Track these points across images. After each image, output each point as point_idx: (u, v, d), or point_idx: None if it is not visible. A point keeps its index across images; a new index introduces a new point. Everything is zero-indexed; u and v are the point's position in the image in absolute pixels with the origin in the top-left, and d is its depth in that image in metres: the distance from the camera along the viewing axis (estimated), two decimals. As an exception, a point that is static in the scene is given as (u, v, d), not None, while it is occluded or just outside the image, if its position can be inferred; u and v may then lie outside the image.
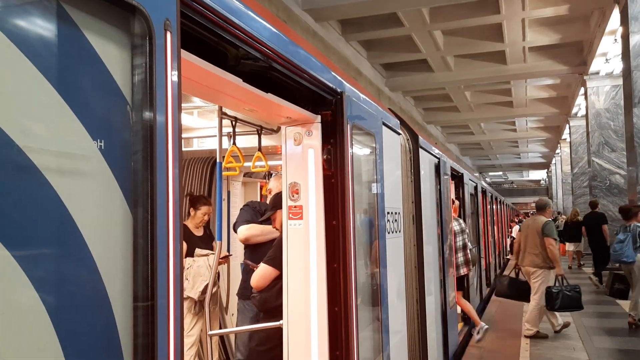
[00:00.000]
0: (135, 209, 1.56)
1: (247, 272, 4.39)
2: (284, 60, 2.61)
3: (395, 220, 4.47)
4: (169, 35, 1.63)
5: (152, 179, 1.56)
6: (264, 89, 2.64)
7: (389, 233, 4.19)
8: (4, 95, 1.25)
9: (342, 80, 3.44)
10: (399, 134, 4.87)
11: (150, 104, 1.57)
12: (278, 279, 3.79)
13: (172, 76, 1.65)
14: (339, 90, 3.28)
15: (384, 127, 4.24)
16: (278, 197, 3.81)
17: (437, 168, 6.77)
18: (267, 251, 4.02)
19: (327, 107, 3.27)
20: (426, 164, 6.00)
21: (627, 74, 11.11)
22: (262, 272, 3.85)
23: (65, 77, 1.40)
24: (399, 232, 4.61)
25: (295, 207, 3.24)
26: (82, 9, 1.44)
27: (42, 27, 1.35)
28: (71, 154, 1.42)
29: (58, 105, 1.38)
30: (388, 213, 4.22)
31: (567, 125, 24.65)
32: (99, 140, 1.47)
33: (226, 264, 5.46)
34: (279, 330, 3.37)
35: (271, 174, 5.85)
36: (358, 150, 3.60)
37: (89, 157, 1.46)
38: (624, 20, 11.21)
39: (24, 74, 1.30)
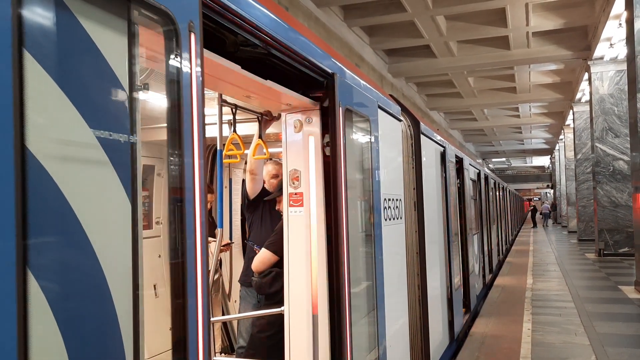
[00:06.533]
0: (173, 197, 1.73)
1: (248, 259, 4.42)
2: (265, 35, 2.42)
3: (397, 207, 4.47)
4: (193, 36, 1.76)
5: (182, 171, 1.71)
6: (262, 76, 2.62)
7: (388, 220, 4.19)
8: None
9: (334, 60, 3.26)
10: (400, 120, 4.85)
11: (179, 100, 1.71)
12: (276, 265, 3.84)
13: (197, 74, 1.78)
14: (329, 71, 3.10)
15: (380, 111, 4.10)
16: None
17: (442, 155, 6.76)
18: (270, 232, 4.06)
19: (318, 89, 3.13)
20: (428, 150, 5.99)
21: (631, 58, 11.02)
22: (262, 257, 3.90)
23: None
24: (400, 218, 4.61)
25: (295, 194, 3.24)
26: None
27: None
28: (104, 146, 1.48)
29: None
30: (389, 200, 4.21)
31: (571, 111, 24.49)
32: (129, 134, 1.54)
33: (228, 251, 5.48)
34: (281, 317, 3.39)
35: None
36: (352, 135, 3.48)
37: (120, 149, 1.52)
38: (629, 5, 11.10)
39: (52, 86, 1.33)
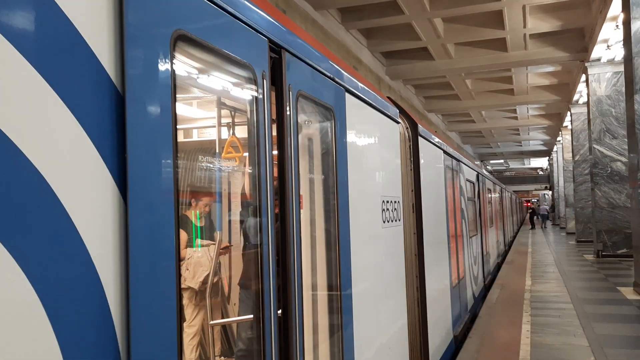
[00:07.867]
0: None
1: (247, 261, 4.42)
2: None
3: (395, 209, 4.47)
4: (265, 81, 2.42)
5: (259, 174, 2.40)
6: None
7: (386, 222, 4.18)
8: None
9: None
10: (397, 122, 4.86)
11: (257, 121, 2.40)
12: None
13: (267, 106, 2.42)
14: (278, 43, 2.58)
15: (351, 97, 3.51)
16: None
17: (441, 158, 6.76)
18: None
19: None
20: (426, 152, 5.99)
21: (628, 60, 11.06)
22: None
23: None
24: (399, 221, 4.61)
25: (295, 196, 3.24)
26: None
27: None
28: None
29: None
30: (388, 202, 4.22)
31: (569, 113, 24.54)
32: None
33: (227, 254, 5.47)
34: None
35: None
36: (306, 126, 2.99)
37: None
38: (626, 6, 11.14)
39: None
